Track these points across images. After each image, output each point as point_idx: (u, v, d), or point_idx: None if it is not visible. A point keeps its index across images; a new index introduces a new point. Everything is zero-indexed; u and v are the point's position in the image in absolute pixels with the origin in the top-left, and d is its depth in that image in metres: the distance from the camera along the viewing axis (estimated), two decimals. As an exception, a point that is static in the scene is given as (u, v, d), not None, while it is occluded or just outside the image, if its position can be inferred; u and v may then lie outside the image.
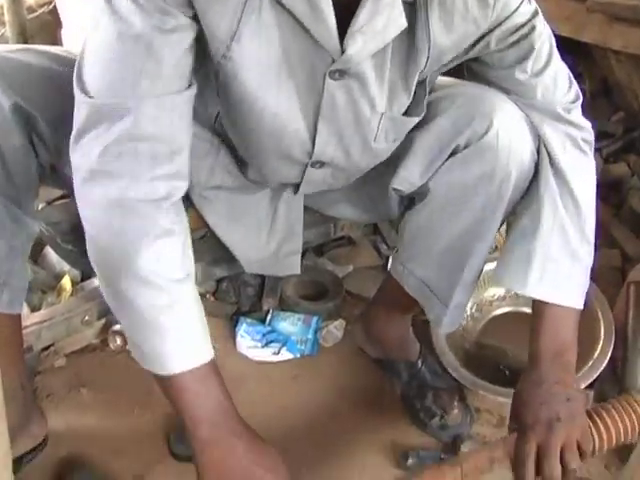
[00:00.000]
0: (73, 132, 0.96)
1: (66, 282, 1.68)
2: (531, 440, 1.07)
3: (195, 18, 0.94)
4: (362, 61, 1.02)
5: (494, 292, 1.72)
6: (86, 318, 1.56)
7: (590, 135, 1.21)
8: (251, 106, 1.04)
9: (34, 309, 1.61)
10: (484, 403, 1.54)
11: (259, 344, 1.67)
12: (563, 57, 1.17)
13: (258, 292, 1.81)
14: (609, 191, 2.10)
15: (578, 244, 1.18)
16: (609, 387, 1.47)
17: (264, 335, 1.69)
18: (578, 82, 1.20)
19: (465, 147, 1.17)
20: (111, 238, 0.97)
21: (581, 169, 1.19)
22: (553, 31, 1.15)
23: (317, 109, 1.07)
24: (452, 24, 1.04)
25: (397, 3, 0.96)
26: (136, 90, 0.93)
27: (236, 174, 1.25)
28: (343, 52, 0.98)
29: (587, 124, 1.20)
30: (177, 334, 0.99)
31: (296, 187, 1.27)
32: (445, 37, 1.05)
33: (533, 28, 1.09)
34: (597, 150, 2.09)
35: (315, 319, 1.74)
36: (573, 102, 1.18)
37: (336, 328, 1.73)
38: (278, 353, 1.66)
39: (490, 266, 1.30)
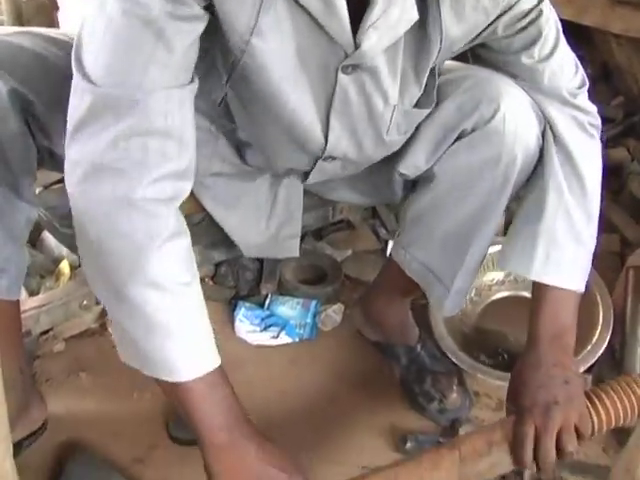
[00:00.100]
0: (71, 121, 0.91)
1: (64, 266, 1.68)
2: (528, 423, 1.07)
3: (207, 9, 0.91)
4: (376, 56, 1.01)
5: (493, 276, 1.72)
6: (84, 302, 1.57)
7: (596, 120, 1.21)
8: (271, 100, 1.02)
9: (32, 293, 1.61)
10: (483, 387, 1.54)
11: (258, 328, 1.67)
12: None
13: (257, 276, 1.81)
14: (608, 176, 2.08)
15: (583, 226, 1.18)
16: (607, 371, 1.47)
17: (263, 319, 1.69)
18: (582, 67, 1.20)
19: (471, 131, 1.17)
20: (118, 240, 0.92)
21: (588, 151, 1.19)
22: (555, 14, 1.14)
23: (329, 104, 1.06)
24: (463, 14, 1.03)
25: None
26: (145, 79, 0.88)
27: (235, 161, 1.25)
28: (356, 46, 0.97)
29: (593, 109, 1.20)
30: (188, 339, 0.96)
31: (305, 175, 1.27)
32: (456, 28, 1.05)
33: (540, 13, 1.08)
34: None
35: (314, 303, 1.74)
36: (579, 87, 1.18)
37: (335, 312, 1.73)
38: (277, 337, 1.66)
39: (491, 250, 1.30)
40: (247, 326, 1.67)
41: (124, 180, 0.90)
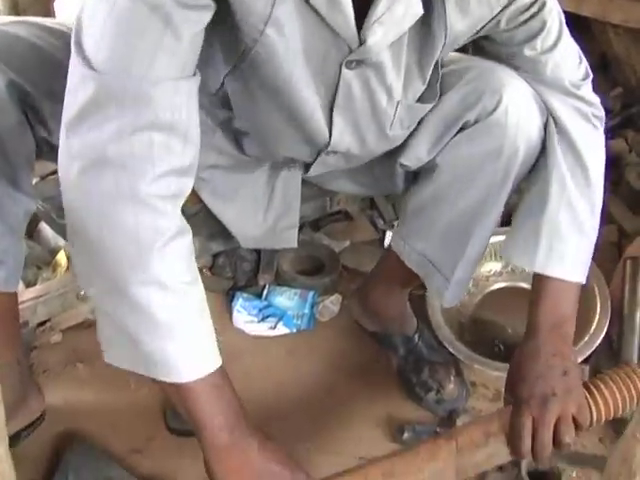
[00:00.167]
0: (70, 110, 0.86)
1: (61, 257, 1.67)
2: (526, 415, 1.07)
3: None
4: (381, 51, 1.00)
5: (491, 267, 1.72)
6: (81, 293, 1.56)
7: (600, 111, 1.21)
8: (278, 91, 1.01)
9: (29, 284, 1.61)
10: (480, 377, 1.55)
11: (255, 319, 1.67)
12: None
13: (254, 267, 1.81)
14: (606, 167, 2.09)
15: (587, 217, 1.18)
16: (604, 362, 1.48)
17: (260, 310, 1.69)
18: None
19: (474, 123, 1.17)
20: (121, 237, 0.88)
21: (591, 141, 1.19)
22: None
23: (332, 99, 1.06)
24: (468, 9, 1.03)
25: None
26: (151, 68, 0.84)
27: (232, 153, 1.24)
28: (361, 42, 0.96)
29: (597, 100, 1.20)
30: (190, 339, 0.93)
31: (305, 167, 1.26)
32: (461, 23, 1.04)
33: (543, 5, 1.08)
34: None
35: (311, 294, 1.74)
36: (583, 79, 1.17)
37: (332, 303, 1.73)
38: (274, 328, 1.66)
39: (490, 240, 1.30)
40: (245, 317, 1.67)
41: (128, 175, 0.86)
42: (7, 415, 1.20)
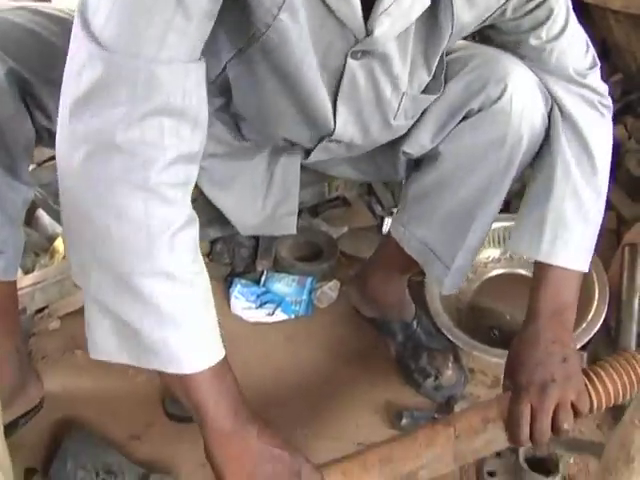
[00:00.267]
0: (75, 90, 0.82)
1: (59, 244, 1.67)
2: (524, 402, 1.07)
3: None
4: (387, 42, 1.00)
5: (489, 254, 1.73)
6: (79, 280, 1.55)
7: (608, 100, 1.20)
8: (287, 76, 1.00)
9: (27, 271, 1.61)
10: (478, 364, 1.55)
11: (253, 305, 1.67)
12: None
13: (252, 253, 1.81)
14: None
15: (592, 204, 1.18)
16: (602, 349, 1.48)
17: (258, 296, 1.69)
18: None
19: (478, 111, 1.16)
20: (129, 226, 0.85)
21: (598, 128, 1.18)
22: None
23: (337, 88, 1.05)
24: (474, 0, 1.02)
25: None
26: (162, 48, 0.81)
27: (230, 141, 1.23)
28: (368, 32, 0.96)
29: (604, 89, 1.19)
30: (195, 331, 0.91)
31: (306, 153, 1.25)
32: (467, 13, 1.03)
33: None
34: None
35: (309, 280, 1.74)
36: (589, 68, 1.17)
37: (330, 289, 1.73)
38: (272, 314, 1.66)
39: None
40: (243, 303, 1.67)
41: (137, 162, 0.83)
42: (6, 402, 1.21)
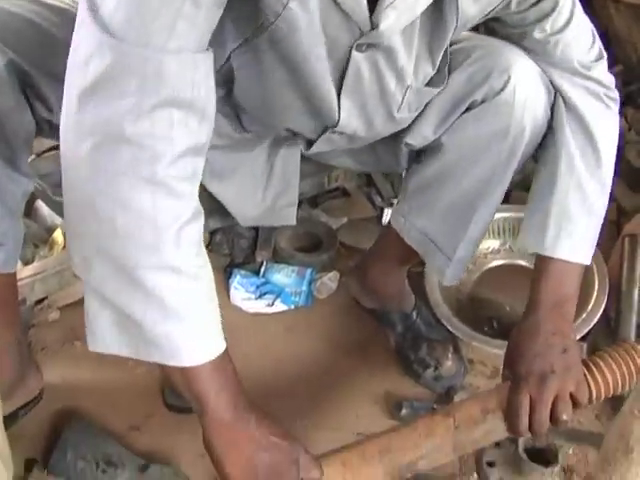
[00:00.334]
0: (83, 81, 0.81)
1: (58, 235, 1.67)
2: (523, 392, 1.07)
3: None
4: (393, 35, 0.99)
5: (489, 244, 1.73)
6: (79, 271, 1.55)
7: (614, 93, 1.20)
8: (294, 66, 0.99)
9: (27, 263, 1.61)
10: (478, 354, 1.55)
11: (253, 296, 1.67)
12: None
13: (252, 244, 1.80)
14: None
15: (597, 197, 1.18)
16: (602, 339, 1.48)
17: (258, 287, 1.69)
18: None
19: (481, 102, 1.16)
20: (136, 219, 0.84)
21: (603, 120, 1.18)
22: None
23: (341, 81, 1.04)
24: None
25: None
26: (171, 37, 0.80)
27: (230, 133, 1.22)
28: (373, 25, 0.95)
29: (611, 81, 1.19)
30: (198, 324, 0.91)
31: (308, 144, 1.25)
32: (472, 6, 1.03)
33: None
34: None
35: (309, 271, 1.74)
36: (595, 60, 1.16)
37: (330, 280, 1.73)
38: (272, 305, 1.66)
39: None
40: (242, 294, 1.67)
41: (146, 154, 0.82)
42: (6, 394, 1.21)
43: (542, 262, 1.18)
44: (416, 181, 1.29)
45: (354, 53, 1.00)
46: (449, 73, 1.15)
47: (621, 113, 1.15)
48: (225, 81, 1.09)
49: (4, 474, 1.09)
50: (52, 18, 1.03)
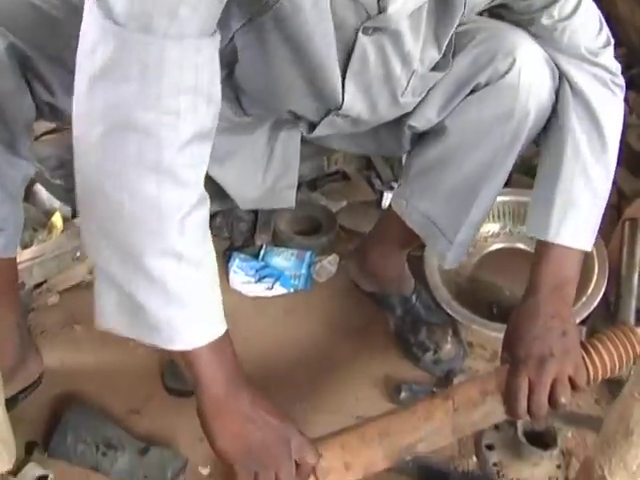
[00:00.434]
0: (91, 68, 0.81)
1: (57, 219, 1.66)
2: (522, 375, 1.07)
3: None
4: (400, 19, 0.99)
5: (489, 228, 1.72)
6: (77, 254, 1.56)
7: (620, 79, 1.19)
8: (298, 46, 0.98)
9: (25, 246, 1.60)
10: (477, 338, 1.55)
11: (252, 279, 1.67)
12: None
13: (251, 227, 1.80)
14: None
15: (601, 182, 1.18)
16: (602, 323, 1.48)
17: (257, 270, 1.69)
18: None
19: (485, 85, 1.16)
20: (142, 207, 0.85)
21: (609, 106, 1.17)
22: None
23: (346, 63, 1.04)
24: None
25: None
26: (173, 22, 0.79)
27: (230, 116, 1.21)
28: (380, 9, 0.95)
29: (617, 68, 1.18)
30: (201, 310, 0.92)
31: (311, 127, 1.24)
32: None
33: None
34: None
35: (308, 254, 1.74)
36: (602, 47, 1.15)
37: (330, 263, 1.73)
38: (272, 288, 1.66)
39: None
40: (242, 277, 1.67)
41: (153, 143, 0.83)
42: (6, 377, 1.22)
43: (543, 246, 1.18)
44: (418, 164, 1.29)
45: (360, 36, 1.00)
46: (453, 56, 1.15)
47: (624, 98, 1.15)
48: (227, 62, 1.08)
49: (6, 458, 1.09)
50: (52, 0, 1.03)
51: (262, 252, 1.75)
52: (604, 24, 1.16)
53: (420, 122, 1.22)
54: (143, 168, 0.83)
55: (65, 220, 1.67)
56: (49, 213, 1.70)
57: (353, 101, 1.10)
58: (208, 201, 0.91)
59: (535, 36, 1.15)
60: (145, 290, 0.88)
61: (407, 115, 1.22)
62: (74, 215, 1.71)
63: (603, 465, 0.85)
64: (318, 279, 1.71)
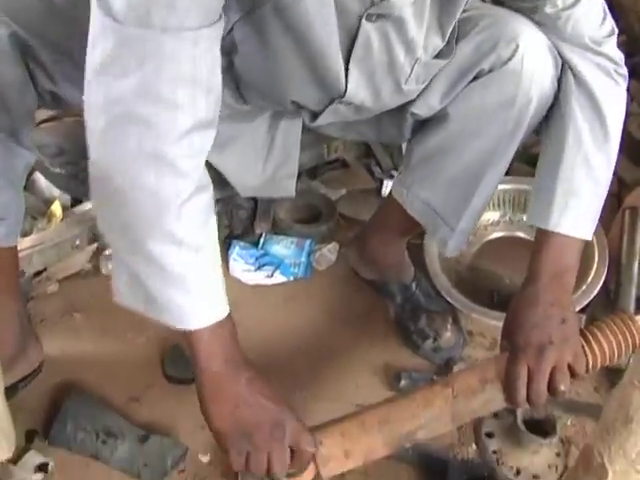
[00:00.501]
0: (92, 62, 0.84)
1: (56, 208, 1.66)
2: (521, 363, 1.07)
3: None
4: (403, 7, 0.99)
5: (489, 216, 1.72)
6: (77, 243, 1.56)
7: (623, 69, 1.18)
8: (301, 35, 0.98)
9: (25, 235, 1.60)
10: (477, 326, 1.55)
11: (252, 267, 1.67)
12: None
13: (251, 216, 1.80)
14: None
15: (602, 171, 1.18)
16: (601, 311, 1.48)
17: (257, 258, 1.69)
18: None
19: (488, 72, 1.15)
20: (141, 194, 0.88)
21: (612, 95, 1.17)
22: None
23: (350, 50, 1.04)
24: None
25: None
26: (170, 15, 0.80)
27: (231, 103, 1.20)
28: None
29: (620, 58, 1.18)
30: (202, 292, 0.96)
31: (313, 116, 1.23)
32: None
33: None
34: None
35: (308, 242, 1.74)
36: (606, 36, 1.15)
37: (329, 251, 1.73)
38: (271, 276, 1.66)
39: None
40: (241, 265, 1.67)
41: (151, 134, 0.85)
42: (7, 366, 1.22)
43: (544, 235, 1.18)
44: (420, 152, 1.28)
45: (364, 23, 1.00)
46: (456, 42, 1.15)
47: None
48: (227, 54, 1.08)
49: (5, 447, 1.10)
50: None
51: (262, 240, 1.75)
52: (608, 13, 1.15)
53: (422, 109, 1.22)
54: (142, 159, 0.86)
55: (64, 208, 1.67)
56: (48, 202, 1.70)
57: (357, 88, 1.10)
58: (211, 186, 0.94)
59: (538, 24, 1.14)
60: (149, 273, 0.93)
61: (409, 102, 1.21)
62: (73, 203, 1.71)
63: (602, 453, 0.84)
64: (318, 267, 1.71)
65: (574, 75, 1.15)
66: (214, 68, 0.88)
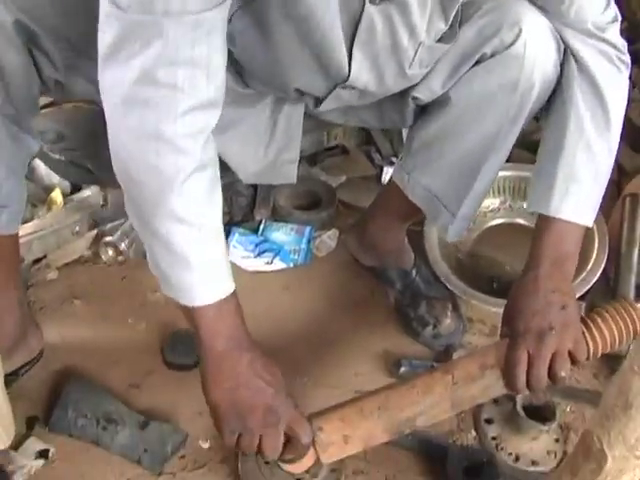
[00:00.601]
0: (101, 48, 0.88)
1: (56, 195, 1.66)
2: (521, 349, 1.08)
3: None
4: None
5: (489, 203, 1.71)
6: (76, 229, 1.56)
7: (626, 56, 1.18)
8: (302, 21, 0.98)
9: (24, 222, 1.60)
10: (476, 313, 1.55)
11: (252, 254, 1.67)
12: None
13: (250, 202, 1.80)
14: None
15: (604, 158, 1.17)
16: (601, 299, 1.48)
17: (257, 245, 1.69)
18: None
19: (491, 56, 1.15)
20: (146, 173, 0.93)
21: (614, 82, 1.16)
22: None
23: (353, 33, 1.04)
24: None
25: None
26: (172, 1, 0.83)
27: (234, 87, 1.20)
28: None
29: (623, 45, 1.17)
30: (205, 270, 0.98)
31: (316, 102, 1.23)
32: None
33: None
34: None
35: (308, 229, 1.74)
36: (610, 22, 1.14)
37: (329, 238, 1.73)
38: (271, 263, 1.66)
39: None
40: (241, 252, 1.67)
41: (153, 113, 0.89)
42: (7, 353, 1.22)
43: (544, 221, 1.17)
44: (421, 137, 1.28)
45: (368, 5, 1.00)
46: (459, 26, 1.14)
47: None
48: (227, 39, 1.08)
49: (4, 438, 1.10)
50: None
51: (261, 227, 1.75)
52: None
53: (424, 93, 1.21)
54: (144, 139, 0.90)
55: (64, 196, 1.67)
56: (48, 189, 1.70)
57: (360, 72, 1.10)
58: (216, 165, 0.98)
59: (542, 9, 1.14)
60: (154, 248, 0.98)
61: (411, 86, 1.21)
62: (73, 190, 1.71)
63: (602, 438, 0.85)
64: (318, 254, 1.71)
65: (576, 61, 1.14)
66: (217, 50, 0.91)
